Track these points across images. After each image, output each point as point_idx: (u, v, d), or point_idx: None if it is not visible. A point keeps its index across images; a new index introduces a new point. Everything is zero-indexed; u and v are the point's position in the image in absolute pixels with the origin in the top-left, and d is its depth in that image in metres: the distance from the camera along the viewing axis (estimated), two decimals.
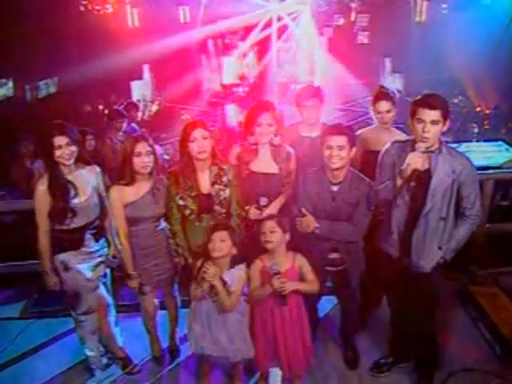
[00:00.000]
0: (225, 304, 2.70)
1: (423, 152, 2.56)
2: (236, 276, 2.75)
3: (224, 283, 2.70)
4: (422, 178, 2.64)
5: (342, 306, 3.31)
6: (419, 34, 9.53)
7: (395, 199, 2.75)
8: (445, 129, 2.61)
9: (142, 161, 2.86)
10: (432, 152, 2.64)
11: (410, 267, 2.81)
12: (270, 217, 2.81)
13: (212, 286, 2.68)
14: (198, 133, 2.86)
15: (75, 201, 2.82)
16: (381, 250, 2.93)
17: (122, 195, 2.90)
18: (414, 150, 2.60)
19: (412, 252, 2.79)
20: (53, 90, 8.54)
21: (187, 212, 2.95)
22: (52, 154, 2.73)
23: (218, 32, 11.28)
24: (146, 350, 3.41)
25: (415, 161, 2.54)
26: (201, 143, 2.86)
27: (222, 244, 2.69)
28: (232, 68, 11.68)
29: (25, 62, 7.05)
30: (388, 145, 2.87)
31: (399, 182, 2.64)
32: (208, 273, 2.63)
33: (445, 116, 2.57)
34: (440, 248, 2.76)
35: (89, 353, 3.18)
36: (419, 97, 2.62)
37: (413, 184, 2.61)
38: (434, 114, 2.53)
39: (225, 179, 2.97)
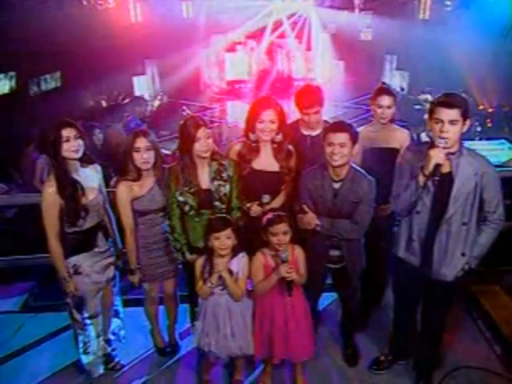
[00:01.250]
0: (235, 292, 2.77)
1: (444, 148, 2.48)
2: (241, 263, 2.81)
3: (231, 272, 2.76)
4: (444, 182, 2.54)
5: (343, 304, 3.30)
6: (423, 32, 9.47)
7: (416, 205, 2.66)
8: (465, 129, 2.51)
9: (141, 156, 2.86)
10: (452, 154, 2.55)
11: (431, 276, 2.73)
12: (281, 219, 2.75)
13: (220, 278, 2.73)
14: (201, 133, 2.83)
15: (84, 200, 2.79)
16: (399, 258, 2.86)
17: (130, 190, 2.92)
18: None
19: (433, 260, 2.70)
20: (54, 84, 8.53)
21: (187, 208, 2.94)
22: (60, 147, 2.68)
23: (221, 28, 11.25)
24: (145, 346, 3.42)
25: (437, 155, 2.47)
26: (204, 142, 2.85)
27: (228, 241, 2.74)
28: (235, 64, 11.66)
29: (26, 57, 7.04)
30: (403, 150, 2.84)
31: (421, 179, 2.55)
32: (218, 266, 2.70)
33: (464, 115, 2.47)
34: (463, 255, 2.68)
35: (89, 358, 3.10)
36: (437, 97, 2.54)
37: (436, 179, 2.52)
38: (452, 114, 2.44)
39: (225, 175, 2.96)
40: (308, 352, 3.00)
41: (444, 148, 2.47)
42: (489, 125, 8.19)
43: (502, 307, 3.74)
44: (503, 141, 6.59)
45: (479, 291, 3.88)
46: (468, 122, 2.52)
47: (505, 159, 5.53)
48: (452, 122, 2.45)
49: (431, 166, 2.48)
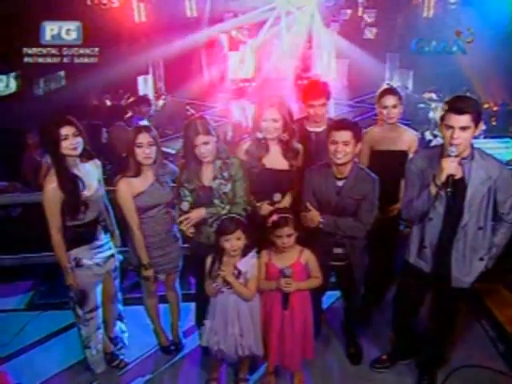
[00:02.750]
0: (244, 294, 2.75)
1: (456, 156, 2.40)
2: (250, 263, 2.78)
3: (239, 272, 2.74)
4: (457, 188, 2.46)
5: (346, 301, 3.32)
6: (427, 29, 9.43)
7: (428, 212, 2.61)
8: (477, 133, 2.44)
9: (144, 152, 2.88)
10: (464, 158, 2.47)
11: (450, 283, 2.69)
12: (286, 222, 2.75)
13: (226, 281, 2.71)
14: (200, 139, 2.83)
15: (84, 194, 2.81)
16: (409, 263, 2.83)
17: (131, 187, 2.94)
18: (442, 155, 2.46)
19: (452, 268, 2.66)
20: (59, 84, 8.56)
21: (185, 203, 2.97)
22: (58, 145, 2.70)
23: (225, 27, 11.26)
24: (149, 344, 3.44)
25: (449, 165, 2.38)
26: (203, 149, 2.85)
27: (239, 242, 2.72)
28: (240, 63, 11.65)
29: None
30: (412, 156, 2.80)
31: (433, 189, 2.48)
32: (223, 270, 2.69)
33: (476, 120, 2.38)
34: (481, 259, 2.65)
35: (91, 353, 3.12)
36: (448, 99, 2.47)
37: (450, 190, 2.42)
38: (463, 120, 2.36)
39: (226, 174, 2.95)
40: (301, 362, 3.00)
41: (456, 156, 2.40)
42: (493, 123, 8.15)
43: (505, 305, 3.74)
44: (507, 139, 6.57)
45: (482, 290, 3.86)
46: (481, 126, 2.44)
47: (509, 158, 5.51)
48: (463, 129, 2.37)
49: (444, 177, 2.41)
